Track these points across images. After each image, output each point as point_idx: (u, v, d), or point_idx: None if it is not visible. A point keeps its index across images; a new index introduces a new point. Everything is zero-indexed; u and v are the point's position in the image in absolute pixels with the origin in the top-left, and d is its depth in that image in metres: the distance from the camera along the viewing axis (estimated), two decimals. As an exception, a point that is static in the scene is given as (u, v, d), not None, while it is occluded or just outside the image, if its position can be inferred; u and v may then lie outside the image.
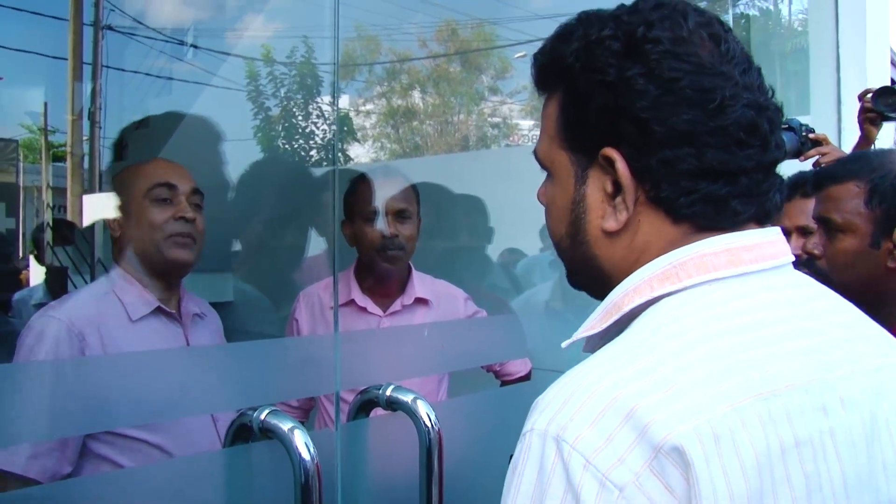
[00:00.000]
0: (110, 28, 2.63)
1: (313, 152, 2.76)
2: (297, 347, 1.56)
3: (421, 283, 2.07)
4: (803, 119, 1.98)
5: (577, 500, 0.59)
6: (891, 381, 0.71)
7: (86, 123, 3.02)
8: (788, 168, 2.03)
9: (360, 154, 2.86)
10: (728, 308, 0.68)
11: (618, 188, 0.73)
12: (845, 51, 2.50)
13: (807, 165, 1.94)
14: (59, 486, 1.16)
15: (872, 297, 1.47)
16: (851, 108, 2.34)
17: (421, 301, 2.05)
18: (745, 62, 0.73)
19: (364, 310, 1.99)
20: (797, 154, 1.97)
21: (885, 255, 1.46)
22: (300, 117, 2.86)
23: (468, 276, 2.54)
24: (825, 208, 1.49)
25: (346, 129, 2.87)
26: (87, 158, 3.14)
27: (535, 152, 0.81)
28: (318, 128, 2.84)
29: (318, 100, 2.93)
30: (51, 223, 2.44)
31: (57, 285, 2.18)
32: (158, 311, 1.60)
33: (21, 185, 3.19)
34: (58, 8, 2.43)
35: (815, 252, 1.62)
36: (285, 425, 1.17)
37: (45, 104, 3.06)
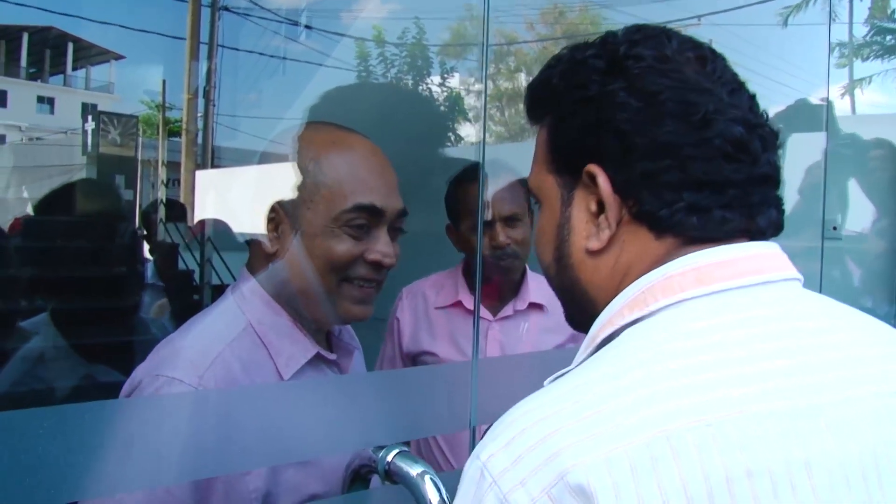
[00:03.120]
0: (226, 9, 2.66)
1: (450, 139, 2.71)
2: (427, 377, 1.40)
3: (537, 286, 1.88)
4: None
5: None
6: None
7: (201, 101, 3.09)
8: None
9: (470, 134, 2.80)
10: (684, 330, 0.64)
11: (601, 206, 0.72)
12: None
13: None
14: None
15: None
16: None
17: (535, 306, 1.89)
18: (733, 83, 0.73)
19: (472, 313, 1.84)
20: None
21: None
22: (430, 101, 2.80)
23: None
24: None
25: (457, 108, 2.80)
26: (201, 135, 3.22)
27: (528, 184, 0.82)
28: (449, 112, 2.77)
29: (429, 80, 2.88)
30: (164, 200, 2.47)
31: (167, 264, 2.21)
32: (315, 358, 1.18)
33: (139, 158, 3.30)
34: (177, -11, 2.48)
35: None
36: (414, 470, 1.04)
37: (164, 82, 3.14)
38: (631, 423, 0.57)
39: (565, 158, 0.76)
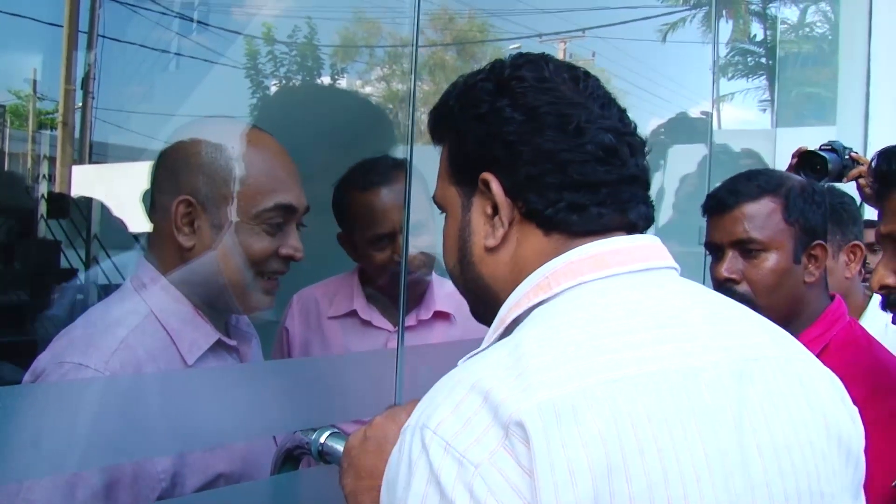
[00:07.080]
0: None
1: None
2: (354, 364, 1.41)
3: (442, 293, 1.75)
4: (829, 130, 1.96)
5: (438, 482, 0.65)
6: (765, 371, 0.77)
7: (79, 93, 2.94)
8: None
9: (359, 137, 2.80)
10: (588, 304, 0.76)
11: (496, 209, 0.83)
12: (876, 65, 2.48)
13: (850, 187, 1.90)
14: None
15: (791, 315, 1.45)
16: (880, 123, 2.32)
17: (441, 315, 1.75)
18: (604, 98, 0.85)
19: (368, 324, 1.71)
20: (840, 176, 1.93)
21: (802, 270, 1.47)
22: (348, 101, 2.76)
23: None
24: (743, 228, 1.46)
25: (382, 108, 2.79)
26: (78, 129, 3.06)
27: (434, 197, 0.93)
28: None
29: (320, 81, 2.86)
30: (45, 195, 2.35)
31: (48, 262, 2.11)
32: (217, 345, 1.24)
33: (7, 151, 3.12)
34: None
35: (734, 276, 1.47)
36: None
37: (34, 70, 2.98)
38: (553, 378, 0.67)
39: (464, 169, 0.87)
